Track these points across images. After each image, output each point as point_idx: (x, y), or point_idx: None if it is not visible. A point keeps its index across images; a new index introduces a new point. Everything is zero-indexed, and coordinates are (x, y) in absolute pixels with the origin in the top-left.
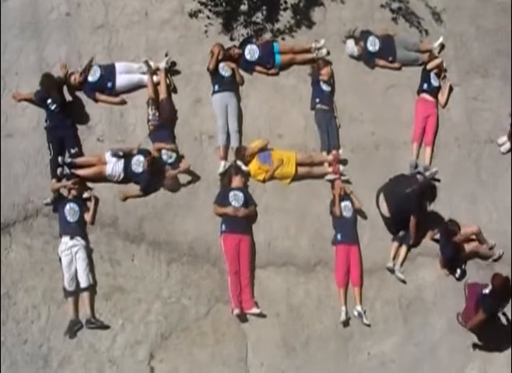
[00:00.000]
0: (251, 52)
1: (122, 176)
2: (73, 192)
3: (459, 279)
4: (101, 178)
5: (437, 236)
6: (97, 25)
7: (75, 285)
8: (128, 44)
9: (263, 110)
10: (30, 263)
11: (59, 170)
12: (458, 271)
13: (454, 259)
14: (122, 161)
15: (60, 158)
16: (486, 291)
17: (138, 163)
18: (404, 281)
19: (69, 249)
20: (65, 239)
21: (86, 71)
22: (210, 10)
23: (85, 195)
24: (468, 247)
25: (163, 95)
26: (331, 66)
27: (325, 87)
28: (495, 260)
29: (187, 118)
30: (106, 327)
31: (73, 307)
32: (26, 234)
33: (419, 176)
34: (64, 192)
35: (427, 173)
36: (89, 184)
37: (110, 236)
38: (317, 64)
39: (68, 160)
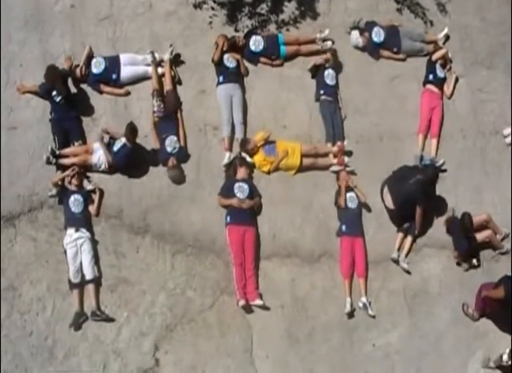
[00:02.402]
0: (256, 43)
1: (107, 165)
2: (74, 182)
3: (477, 267)
4: (87, 167)
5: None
6: (102, 16)
7: (80, 277)
8: (132, 36)
9: (268, 101)
10: (35, 255)
11: (45, 158)
12: (474, 261)
13: (469, 250)
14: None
15: (49, 147)
16: None
17: (120, 143)
18: (408, 272)
19: (74, 241)
20: (70, 231)
21: (86, 62)
22: (214, 1)
23: (90, 187)
24: (482, 236)
25: (167, 86)
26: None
27: (329, 81)
28: (502, 254)
29: (192, 109)
30: (112, 320)
31: (78, 299)
32: (30, 226)
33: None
34: (68, 185)
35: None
36: (94, 175)
37: (114, 228)
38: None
39: (57, 152)
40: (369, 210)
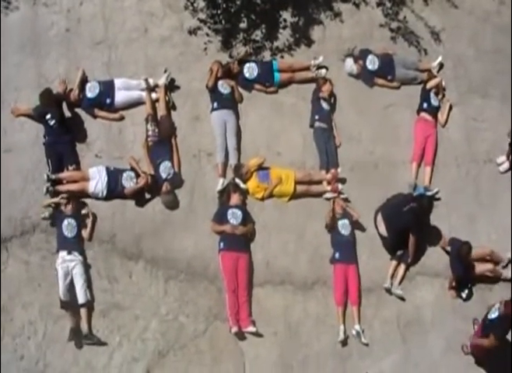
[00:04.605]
0: (250, 70)
1: (105, 193)
2: (68, 208)
3: (466, 300)
4: (84, 194)
5: (448, 248)
6: (97, 41)
7: (69, 295)
8: (127, 60)
9: (262, 128)
10: (27, 279)
11: (45, 186)
12: (466, 291)
13: (464, 278)
14: (106, 178)
15: (45, 175)
16: (493, 316)
17: (130, 179)
18: (402, 298)
19: (66, 262)
20: (63, 254)
21: (80, 86)
22: (209, 27)
23: (83, 211)
24: (483, 268)
25: (162, 111)
26: (331, 84)
27: (325, 105)
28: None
29: (186, 135)
30: (104, 344)
31: (71, 316)
32: (23, 249)
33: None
34: (63, 208)
35: (428, 194)
36: (87, 200)
37: (107, 253)
38: (318, 81)
39: (53, 176)
40: (363, 230)
